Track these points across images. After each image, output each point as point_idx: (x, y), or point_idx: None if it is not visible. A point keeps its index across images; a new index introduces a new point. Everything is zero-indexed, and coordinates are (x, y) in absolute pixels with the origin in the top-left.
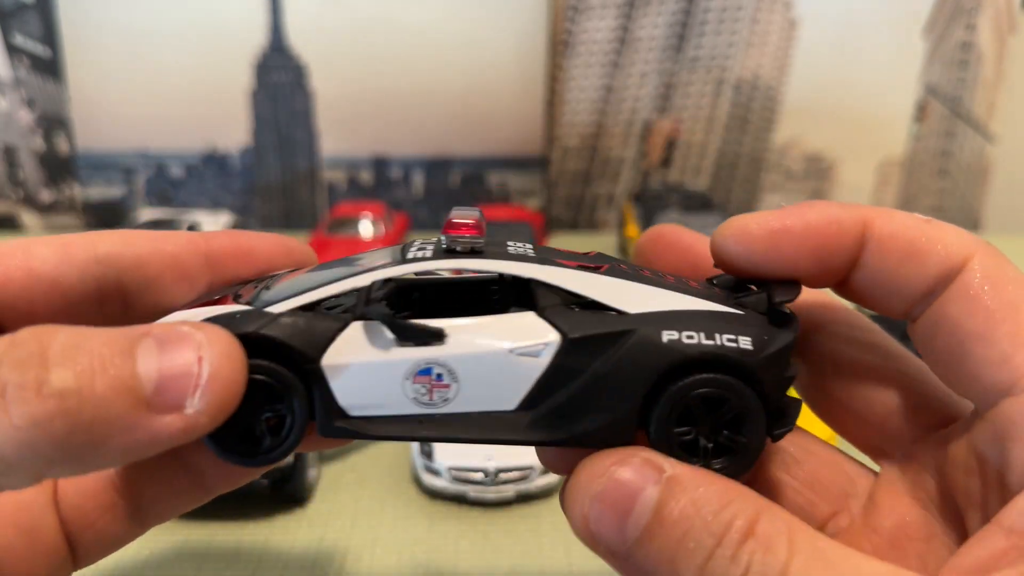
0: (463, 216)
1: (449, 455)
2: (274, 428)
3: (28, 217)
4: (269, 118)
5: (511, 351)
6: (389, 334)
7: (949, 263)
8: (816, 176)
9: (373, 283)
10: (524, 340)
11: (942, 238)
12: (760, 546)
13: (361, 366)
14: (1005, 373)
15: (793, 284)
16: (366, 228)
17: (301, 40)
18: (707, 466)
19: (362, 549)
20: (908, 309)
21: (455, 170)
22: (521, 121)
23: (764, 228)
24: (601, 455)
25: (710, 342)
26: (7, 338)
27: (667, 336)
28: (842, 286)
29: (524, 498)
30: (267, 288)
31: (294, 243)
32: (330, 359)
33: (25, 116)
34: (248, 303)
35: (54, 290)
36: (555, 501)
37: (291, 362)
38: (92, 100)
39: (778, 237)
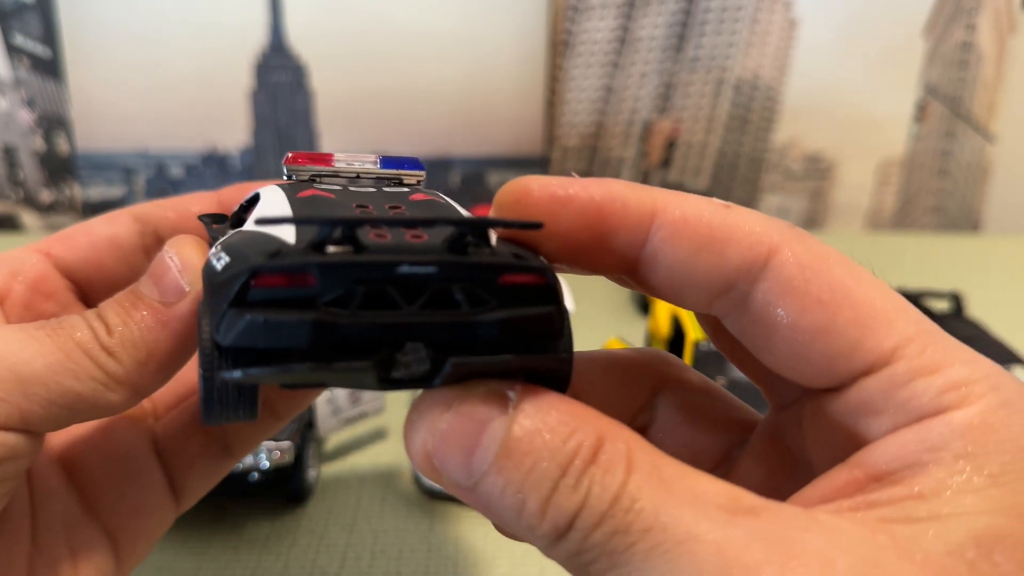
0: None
1: None
2: None
3: (28, 217)
4: (269, 118)
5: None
6: None
7: (750, 254)
8: (816, 176)
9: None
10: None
11: (743, 226)
12: (600, 470)
13: None
14: (858, 360)
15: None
16: None
17: (301, 40)
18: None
19: (362, 549)
20: (707, 302)
21: (455, 170)
22: (521, 121)
23: (544, 192)
24: (442, 390)
25: (212, 261)
26: (84, 312)
27: (211, 254)
28: (631, 274)
29: None
30: None
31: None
32: None
33: (25, 116)
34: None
35: (112, 247)
36: None
37: None
38: (92, 100)
39: (556, 204)
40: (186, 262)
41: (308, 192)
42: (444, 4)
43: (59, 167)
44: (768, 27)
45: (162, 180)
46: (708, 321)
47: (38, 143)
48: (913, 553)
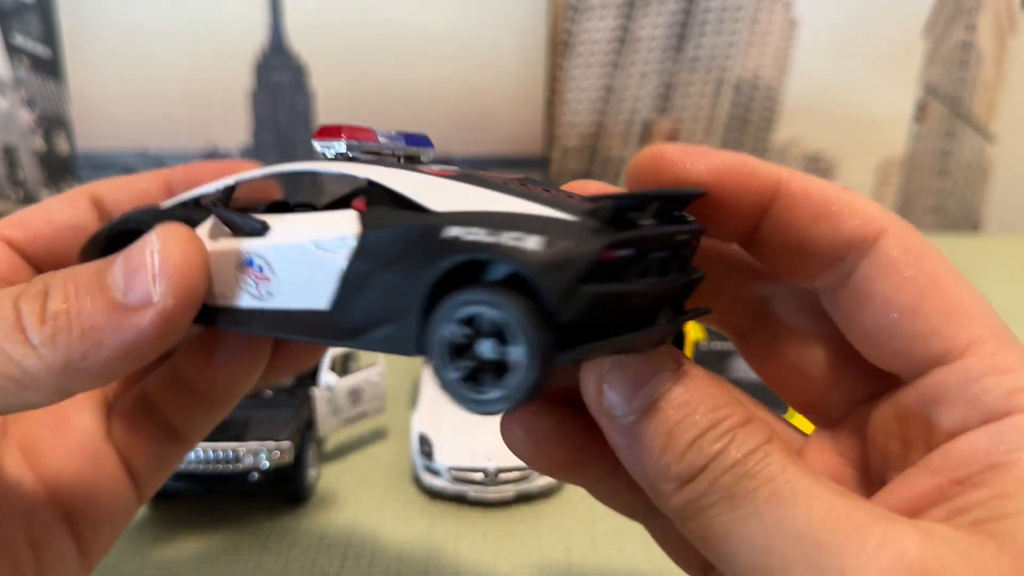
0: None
1: (449, 455)
2: None
3: None
4: (269, 118)
5: (313, 243)
6: (222, 226)
7: (864, 230)
8: (816, 176)
9: (237, 183)
10: (326, 233)
11: (857, 204)
12: (743, 431)
13: (210, 255)
14: (936, 345)
15: (675, 192)
16: None
17: (301, 40)
18: (481, 394)
19: (362, 549)
20: (815, 272)
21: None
22: (521, 121)
23: (679, 153)
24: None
25: (490, 239)
26: (24, 284)
27: (450, 232)
28: (750, 242)
29: (524, 498)
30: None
31: (237, 165)
32: None
33: (25, 116)
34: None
35: (74, 233)
36: (555, 501)
37: None
38: (92, 100)
39: (689, 167)
40: (167, 264)
41: (437, 170)
42: (444, 4)
43: (59, 167)
44: (768, 27)
45: None
46: (741, 342)
47: (38, 143)
48: (1010, 545)
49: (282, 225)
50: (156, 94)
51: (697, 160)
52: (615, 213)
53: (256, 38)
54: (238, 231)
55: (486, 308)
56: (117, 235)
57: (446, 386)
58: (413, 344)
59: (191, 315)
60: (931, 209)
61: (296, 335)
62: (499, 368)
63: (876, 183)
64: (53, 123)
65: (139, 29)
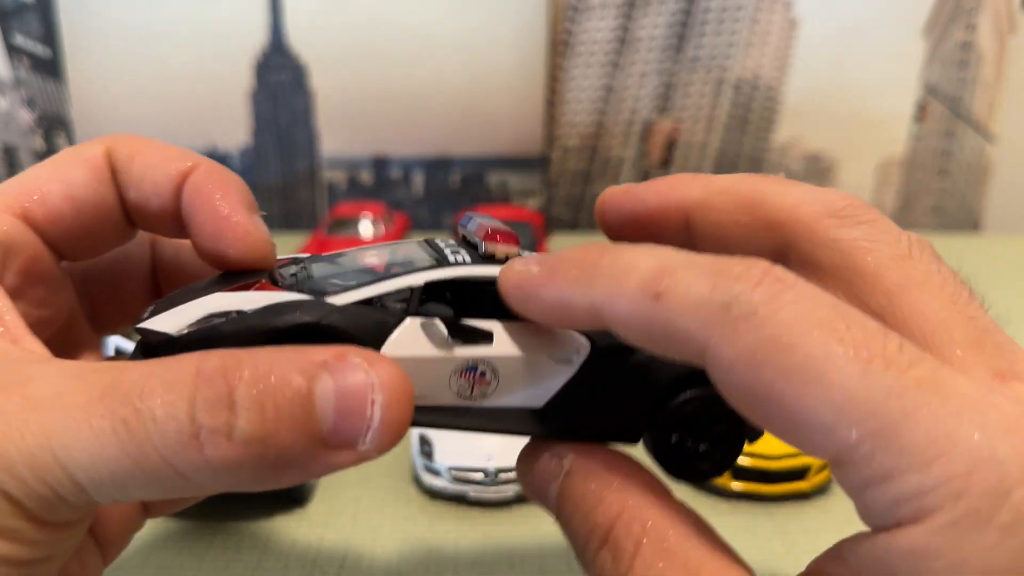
0: (498, 228)
1: (449, 455)
2: None
3: None
4: (269, 118)
5: (549, 356)
6: (443, 332)
7: (687, 349)
8: (816, 176)
9: (428, 283)
10: (561, 346)
11: (677, 322)
12: (610, 554)
13: (415, 360)
14: (818, 449)
15: None
16: (366, 228)
17: (301, 40)
18: (694, 467)
19: (362, 549)
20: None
21: (455, 170)
22: (521, 121)
23: (614, 202)
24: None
25: None
26: (194, 369)
27: None
28: None
29: (524, 498)
30: (308, 275)
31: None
32: (388, 351)
33: (25, 116)
34: (296, 289)
35: (98, 211)
36: None
37: None
38: (92, 100)
39: (619, 214)
40: (387, 422)
41: None
42: (444, 4)
43: None
44: (768, 27)
45: None
46: None
47: (38, 143)
48: None
49: (503, 332)
50: (156, 94)
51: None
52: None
53: (256, 38)
54: (463, 338)
55: (724, 407)
56: (272, 331)
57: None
58: (635, 437)
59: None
60: (931, 209)
61: (502, 431)
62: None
63: (876, 183)
64: (53, 123)
65: (139, 29)
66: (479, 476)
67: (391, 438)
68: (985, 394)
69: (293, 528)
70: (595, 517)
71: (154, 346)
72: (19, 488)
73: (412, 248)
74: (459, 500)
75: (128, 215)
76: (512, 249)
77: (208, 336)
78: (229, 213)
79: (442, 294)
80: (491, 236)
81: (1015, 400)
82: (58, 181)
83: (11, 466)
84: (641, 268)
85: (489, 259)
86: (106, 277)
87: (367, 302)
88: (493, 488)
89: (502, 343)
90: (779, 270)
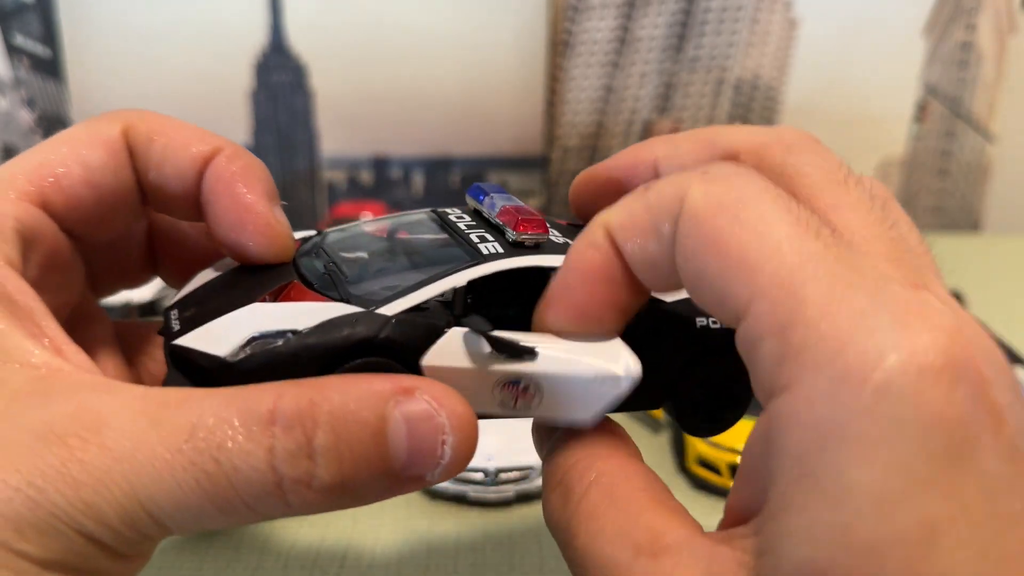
0: (525, 214)
1: None
2: None
3: None
4: (269, 118)
5: (596, 375)
6: (485, 348)
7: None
8: None
9: (469, 283)
10: (608, 368)
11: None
12: (560, 494)
13: (457, 370)
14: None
15: None
16: None
17: (301, 40)
18: (713, 424)
19: (362, 549)
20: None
21: (455, 170)
22: (521, 121)
23: (586, 176)
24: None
25: (716, 325)
26: (269, 416)
27: (699, 322)
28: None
29: (524, 498)
30: (337, 269)
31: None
32: (430, 360)
33: (25, 116)
34: (335, 293)
35: (117, 198)
36: None
37: (402, 361)
38: (92, 100)
39: (593, 185)
40: (455, 459)
41: None
42: (444, 4)
43: None
44: (768, 27)
45: None
46: None
47: (38, 143)
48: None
49: (548, 348)
50: (156, 94)
51: (599, 181)
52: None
53: (256, 38)
54: (506, 353)
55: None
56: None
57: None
58: (658, 405)
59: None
60: (931, 209)
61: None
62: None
63: None
64: (53, 123)
65: (139, 29)
66: (479, 476)
67: (457, 470)
68: (888, 282)
69: (293, 528)
70: (556, 461)
71: (206, 369)
72: (110, 536)
73: (425, 223)
74: (459, 500)
75: (144, 196)
76: (541, 236)
77: (267, 362)
78: (252, 203)
79: (483, 287)
80: (521, 225)
81: (917, 298)
82: (76, 164)
83: (102, 517)
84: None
85: (519, 246)
86: (105, 244)
87: (415, 308)
88: (493, 488)
89: (546, 359)
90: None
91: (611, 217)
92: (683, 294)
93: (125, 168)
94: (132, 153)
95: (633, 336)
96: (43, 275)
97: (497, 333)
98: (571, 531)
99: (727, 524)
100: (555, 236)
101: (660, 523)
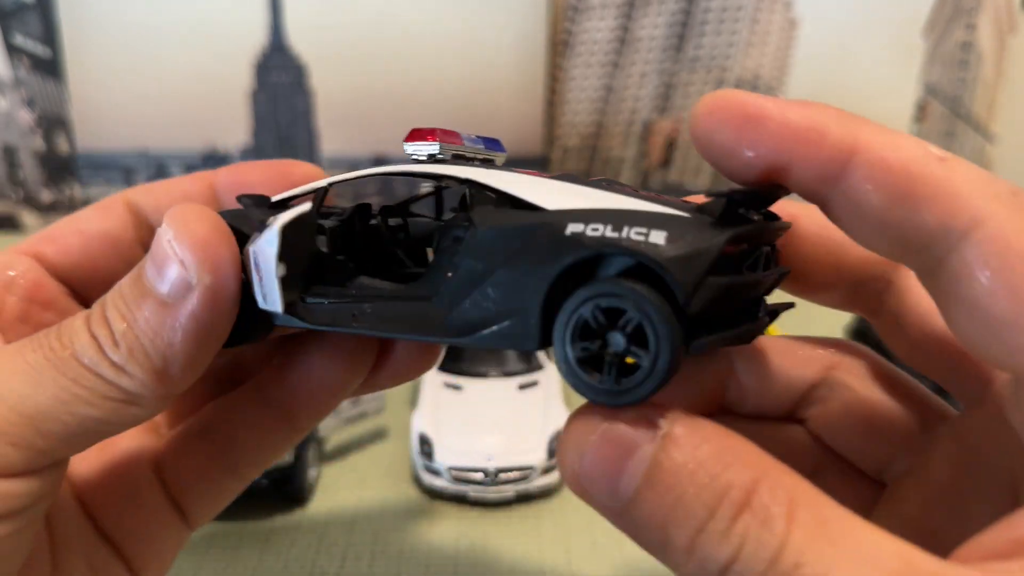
0: (425, 128)
1: (449, 455)
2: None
3: (28, 217)
4: (269, 118)
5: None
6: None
7: (951, 221)
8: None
9: (331, 185)
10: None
11: (946, 186)
12: (756, 520)
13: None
14: None
15: (766, 188)
16: None
17: (301, 40)
18: (617, 385)
19: (362, 549)
20: (897, 256)
21: None
22: (521, 121)
23: (739, 107)
24: (594, 408)
25: (614, 234)
26: (87, 311)
27: (571, 228)
28: (823, 205)
29: (524, 498)
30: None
31: (290, 165)
32: None
33: (25, 116)
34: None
35: (107, 244)
36: (555, 501)
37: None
38: (92, 100)
39: (749, 122)
40: (184, 244)
41: (533, 171)
42: (444, 4)
43: (59, 167)
44: (768, 27)
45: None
46: (876, 319)
47: (38, 143)
48: None
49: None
50: (156, 94)
51: (757, 118)
52: (727, 209)
53: (256, 38)
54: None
55: (622, 301)
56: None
57: (565, 364)
58: (533, 338)
59: (235, 282)
60: None
61: (405, 334)
62: (622, 361)
63: None
64: (53, 123)
65: (139, 29)
66: (479, 476)
67: (202, 254)
68: None
69: (293, 528)
70: (722, 482)
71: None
72: None
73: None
74: (459, 500)
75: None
76: (431, 146)
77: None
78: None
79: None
80: (411, 135)
81: None
82: (71, 221)
83: None
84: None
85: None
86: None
87: (280, 204)
88: (493, 488)
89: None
90: None
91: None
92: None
93: (117, 217)
94: (130, 209)
95: (491, 239)
96: (25, 309)
97: None
98: (791, 561)
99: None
100: (478, 160)
101: (900, 547)
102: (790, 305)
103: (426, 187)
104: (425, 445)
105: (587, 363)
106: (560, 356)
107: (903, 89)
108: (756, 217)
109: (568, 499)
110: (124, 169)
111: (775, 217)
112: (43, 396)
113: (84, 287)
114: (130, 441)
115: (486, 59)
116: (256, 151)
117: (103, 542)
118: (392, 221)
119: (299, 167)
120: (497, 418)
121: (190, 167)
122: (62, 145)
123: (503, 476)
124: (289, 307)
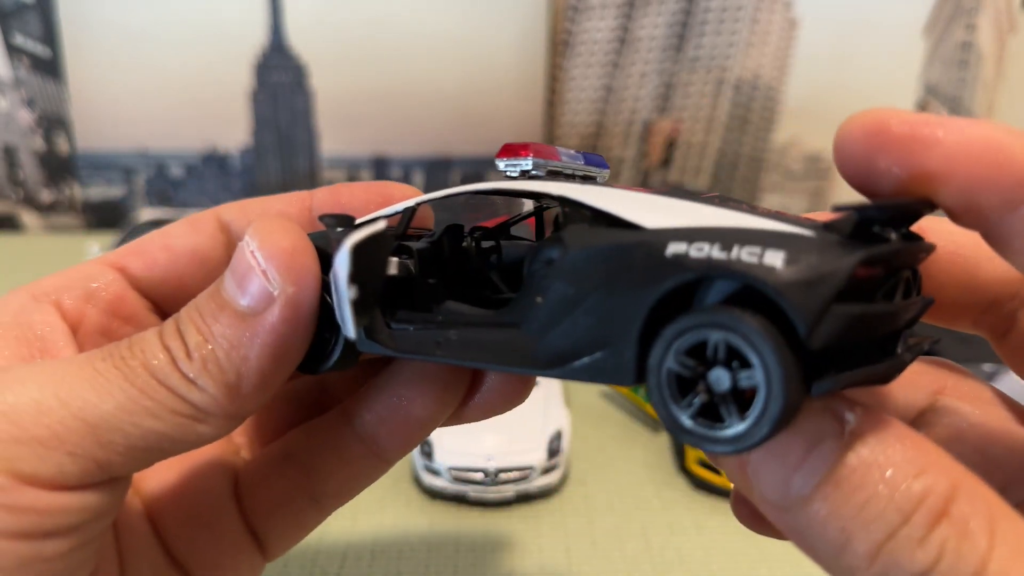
0: (518, 145)
1: (449, 455)
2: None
3: (28, 217)
4: (269, 118)
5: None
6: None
7: None
8: (816, 176)
9: (418, 205)
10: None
11: None
12: (955, 531)
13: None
14: None
15: (909, 204)
16: None
17: (301, 40)
18: (719, 431)
19: (362, 549)
20: None
21: (455, 170)
22: (521, 121)
23: (906, 129)
24: None
25: (722, 255)
26: (160, 325)
27: (672, 249)
28: (990, 229)
29: (524, 498)
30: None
31: (389, 187)
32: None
33: (25, 116)
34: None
35: (193, 259)
36: (555, 501)
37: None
38: (92, 100)
39: (920, 146)
40: (269, 256)
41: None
42: (444, 4)
43: (59, 167)
44: (768, 27)
45: (162, 180)
46: (1000, 342)
47: (38, 143)
48: None
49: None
50: (156, 94)
51: (932, 142)
52: (858, 226)
53: (256, 38)
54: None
55: (722, 332)
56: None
57: (675, 429)
58: (629, 373)
59: (315, 296)
60: None
61: (490, 364)
62: (735, 400)
63: None
64: (53, 123)
65: (139, 29)
66: (479, 476)
67: (287, 266)
68: None
69: None
70: (919, 487)
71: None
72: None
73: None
74: (459, 500)
75: None
76: (523, 162)
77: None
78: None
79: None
80: (504, 151)
81: None
82: (160, 235)
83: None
84: None
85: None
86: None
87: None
88: (493, 488)
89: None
90: None
91: None
92: None
93: (208, 234)
94: (221, 226)
95: (586, 261)
96: (106, 322)
97: None
98: None
99: None
100: (571, 175)
101: None
102: (936, 340)
103: (527, 207)
104: (425, 445)
105: (680, 394)
106: (653, 388)
107: (903, 89)
108: (893, 236)
109: (568, 499)
110: (124, 169)
111: (916, 237)
112: (108, 404)
113: (168, 303)
114: (209, 462)
115: (486, 59)
116: (256, 151)
117: (173, 567)
118: (485, 243)
119: (398, 188)
120: (497, 418)
121: (190, 167)
122: (62, 145)
123: (503, 476)
124: (370, 332)
